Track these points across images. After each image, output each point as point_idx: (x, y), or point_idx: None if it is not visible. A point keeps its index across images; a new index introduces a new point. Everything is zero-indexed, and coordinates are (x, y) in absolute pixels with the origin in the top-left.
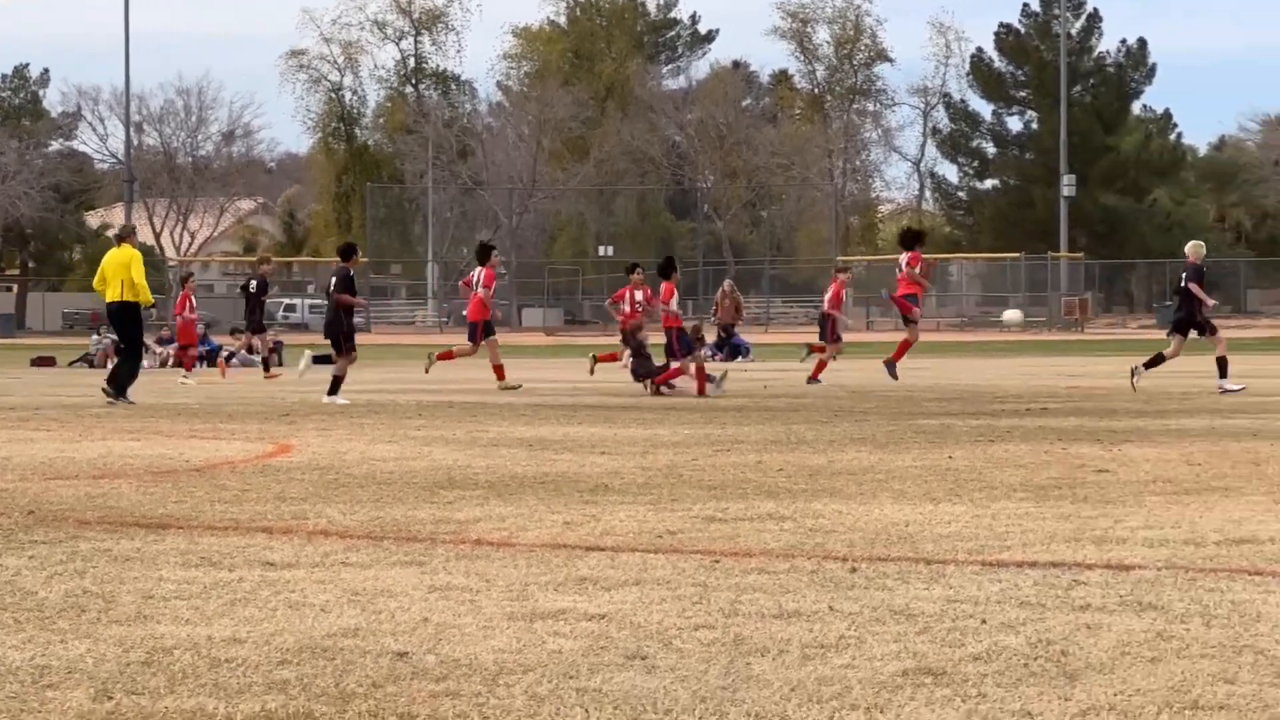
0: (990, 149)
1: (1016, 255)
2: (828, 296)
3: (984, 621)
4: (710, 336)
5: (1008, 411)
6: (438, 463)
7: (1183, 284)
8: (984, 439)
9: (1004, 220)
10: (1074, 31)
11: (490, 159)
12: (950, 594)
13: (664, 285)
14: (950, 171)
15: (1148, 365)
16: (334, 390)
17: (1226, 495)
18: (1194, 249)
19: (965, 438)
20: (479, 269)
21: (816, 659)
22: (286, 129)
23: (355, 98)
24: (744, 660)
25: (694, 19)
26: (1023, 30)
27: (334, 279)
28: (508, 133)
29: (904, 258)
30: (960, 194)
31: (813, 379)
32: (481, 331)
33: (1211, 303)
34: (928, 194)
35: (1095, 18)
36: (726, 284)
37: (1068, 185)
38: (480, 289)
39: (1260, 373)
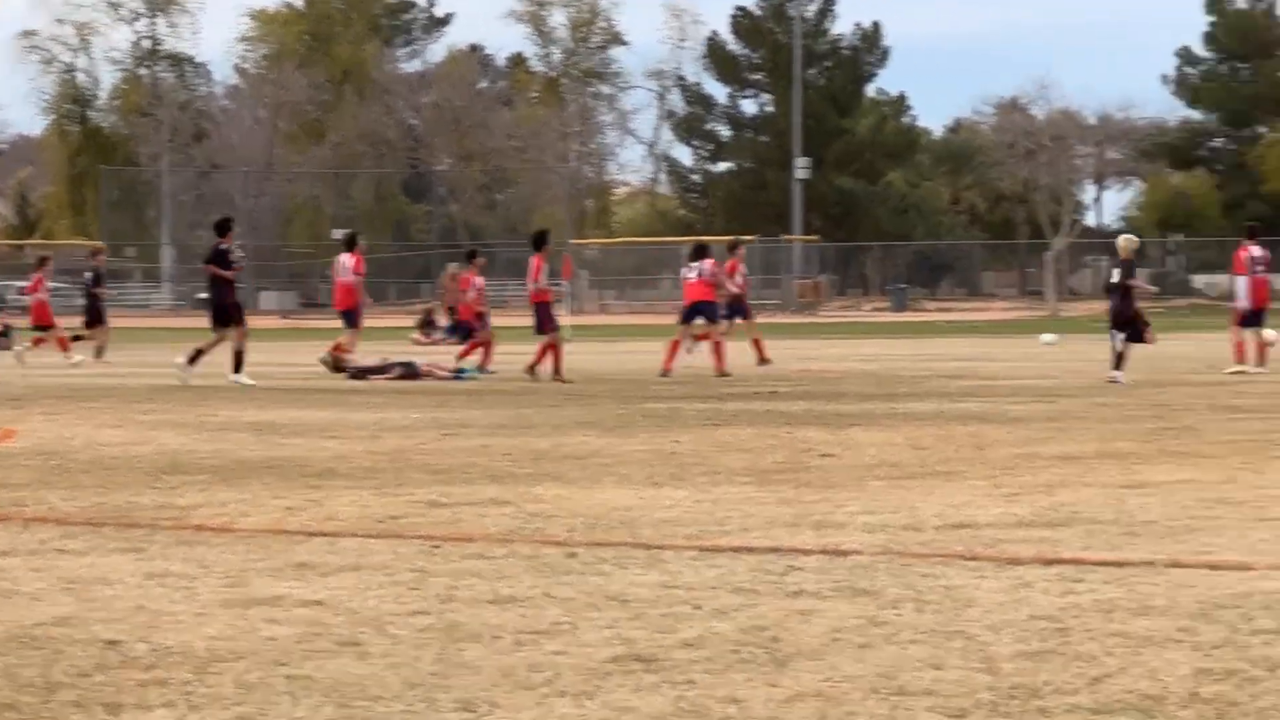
0: (725, 132)
1: (751, 238)
2: (732, 276)
3: (697, 608)
4: (443, 320)
5: (737, 395)
6: (164, 448)
7: (1114, 280)
8: (711, 423)
9: (738, 203)
10: (808, 14)
11: (226, 142)
12: (666, 580)
13: (534, 260)
14: (685, 154)
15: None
16: (238, 368)
17: (948, 479)
18: (1126, 243)
19: (693, 422)
20: (346, 255)
21: (529, 645)
22: (19, 110)
23: (89, 80)
24: (456, 647)
25: (430, 3)
26: (758, 13)
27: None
28: (244, 115)
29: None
30: (695, 177)
31: (720, 372)
32: (359, 317)
33: (1153, 289)
34: (663, 177)
35: (830, 1)
36: (452, 267)
37: (802, 168)
38: (352, 275)
39: (990, 355)
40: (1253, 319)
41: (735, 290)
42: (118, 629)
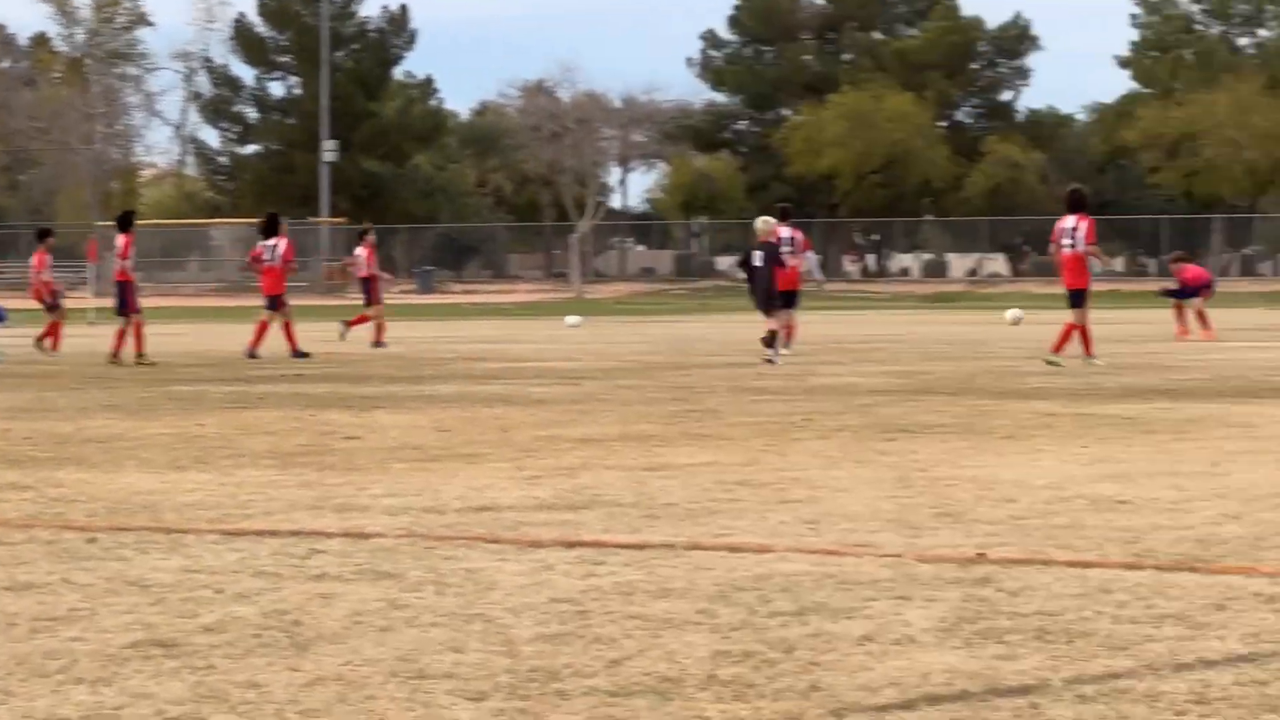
0: (253, 114)
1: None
2: (363, 260)
3: (219, 592)
4: None
5: (263, 378)
6: None
7: (758, 264)
8: (237, 405)
9: (265, 185)
10: None
11: None
12: (188, 564)
13: (121, 239)
14: (212, 136)
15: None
16: None
17: (472, 462)
18: (764, 225)
19: (218, 404)
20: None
21: (45, 632)
22: None
23: None
24: None
25: None
26: None
27: None
28: None
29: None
30: (222, 159)
31: (378, 342)
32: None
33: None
34: (190, 159)
35: None
36: None
37: (329, 150)
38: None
39: (515, 338)
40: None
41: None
42: None
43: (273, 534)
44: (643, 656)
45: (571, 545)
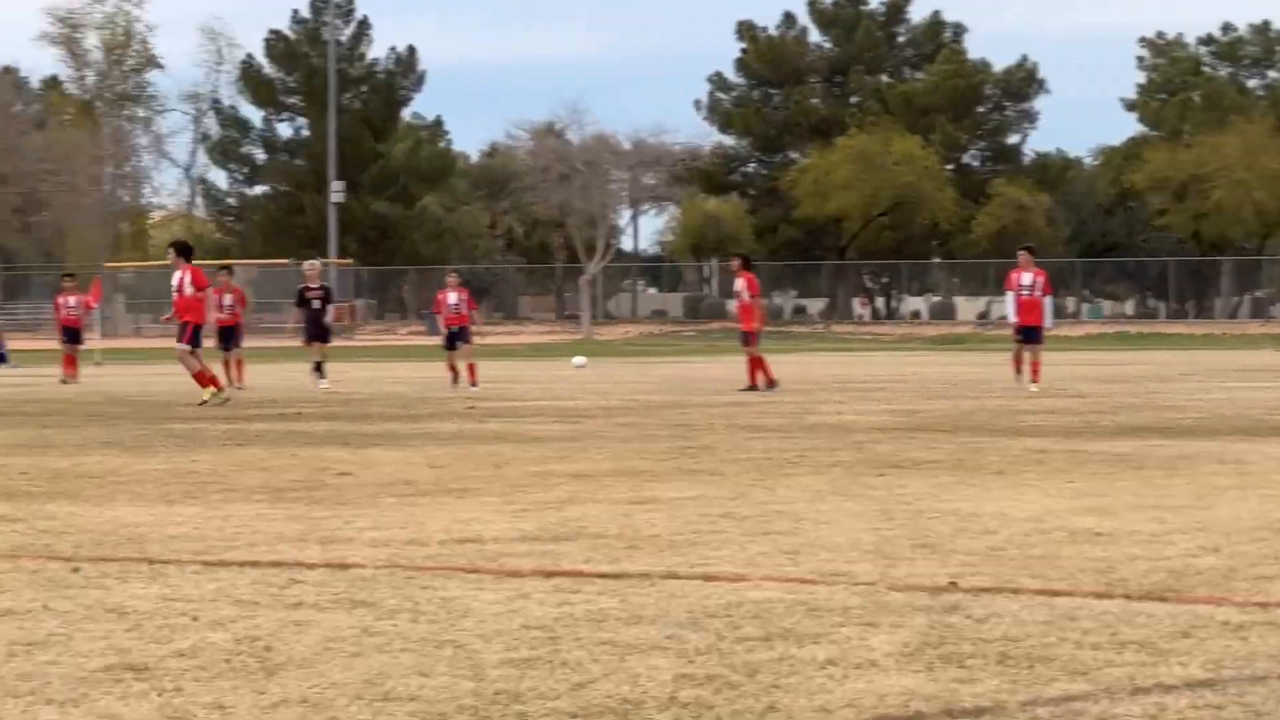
0: (260, 155)
1: (285, 261)
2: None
3: (195, 619)
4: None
5: (263, 416)
6: None
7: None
8: (233, 443)
9: (274, 226)
10: (344, 38)
11: None
12: (168, 593)
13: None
14: (221, 178)
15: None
16: None
17: (461, 496)
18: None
19: (214, 442)
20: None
21: (21, 656)
22: None
23: None
24: None
25: None
26: (293, 36)
27: None
28: None
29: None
30: (230, 200)
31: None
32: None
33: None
34: (199, 200)
35: (365, 25)
36: None
37: (337, 191)
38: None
39: (520, 378)
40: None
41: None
42: None
43: (254, 565)
44: (607, 680)
45: (550, 575)
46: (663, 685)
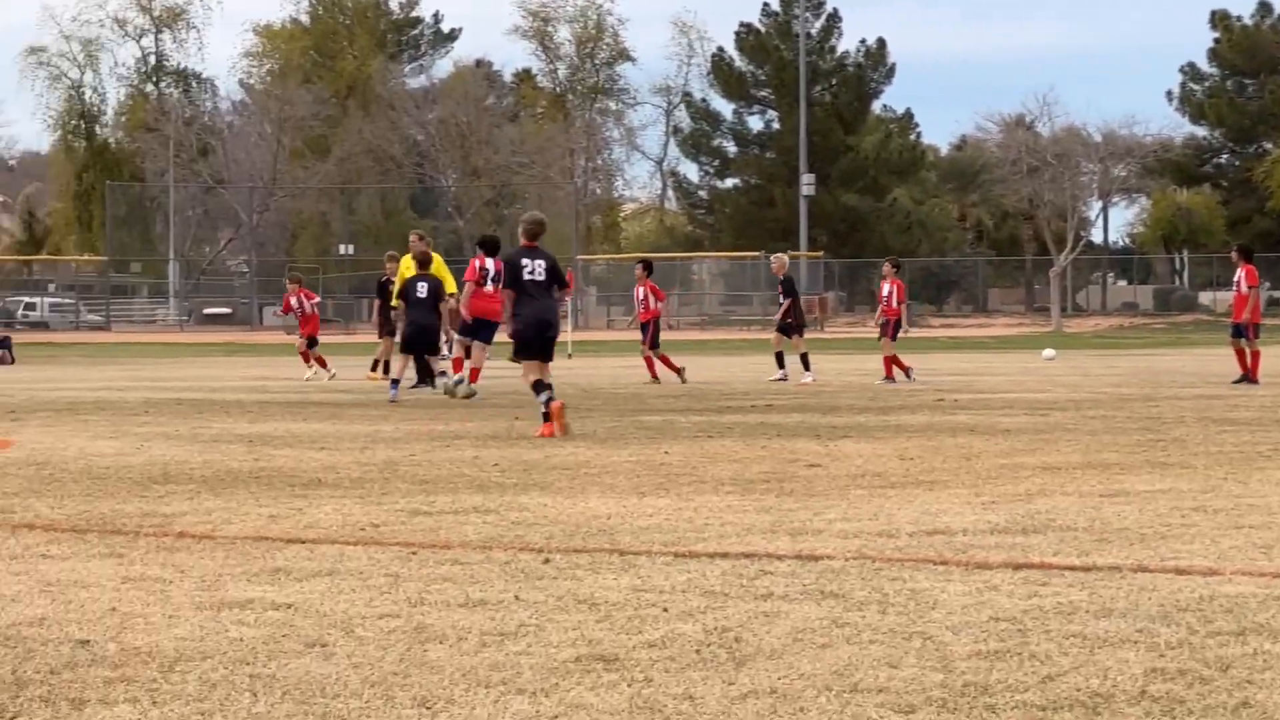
0: (731, 148)
1: (757, 254)
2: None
3: (665, 610)
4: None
5: (733, 408)
6: (155, 458)
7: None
8: (703, 435)
9: (745, 219)
10: (814, 31)
11: (231, 157)
12: (637, 584)
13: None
14: (692, 170)
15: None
16: None
17: (930, 489)
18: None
19: (685, 433)
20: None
21: (493, 646)
22: (26, 126)
23: (96, 95)
24: (421, 647)
25: (437, 18)
26: (763, 30)
27: None
28: (249, 131)
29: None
30: (701, 193)
31: None
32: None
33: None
34: (670, 193)
35: (835, 18)
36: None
37: (807, 184)
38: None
39: (990, 370)
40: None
41: None
42: (90, 629)
43: (724, 556)
44: (1076, 673)
45: (1018, 567)
46: (1133, 679)
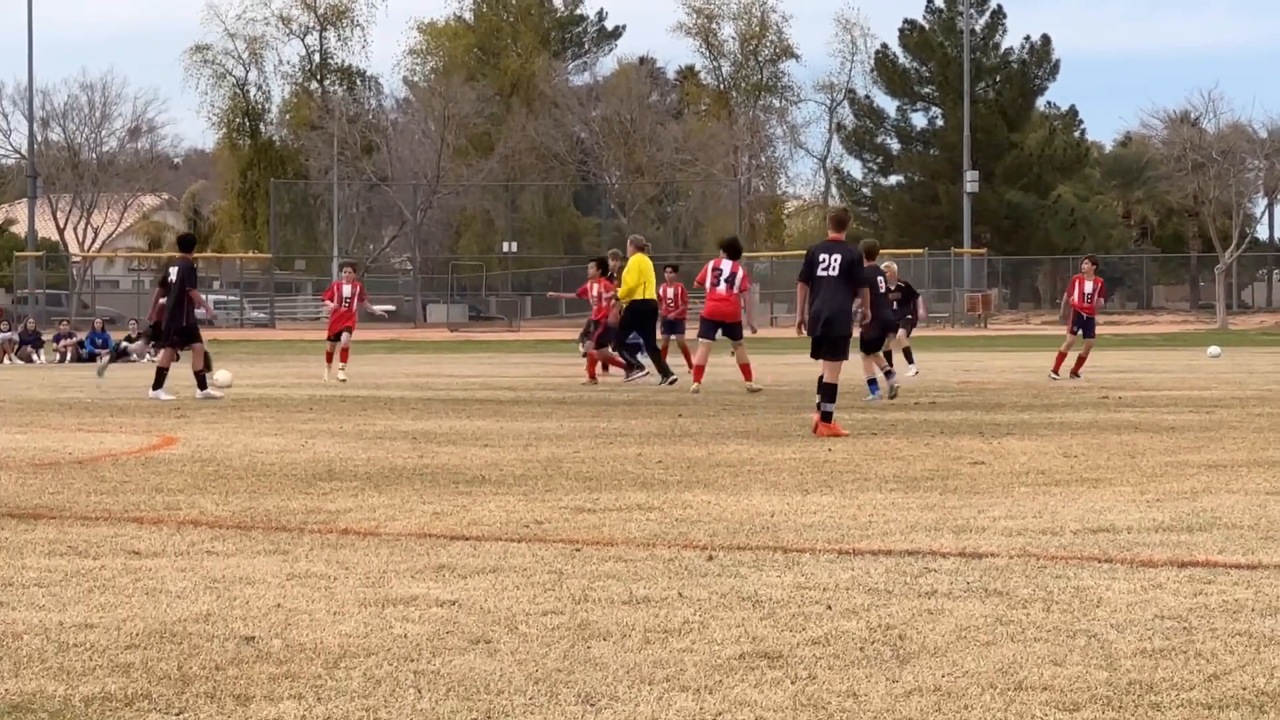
0: (895, 145)
1: (920, 251)
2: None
3: (829, 607)
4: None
5: (895, 405)
6: (319, 455)
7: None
8: (867, 432)
9: (908, 216)
10: (978, 28)
11: (395, 155)
12: (801, 581)
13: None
14: (855, 167)
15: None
16: (159, 384)
17: (1095, 486)
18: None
19: (849, 430)
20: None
21: (657, 643)
22: (191, 124)
23: (260, 93)
24: (585, 644)
25: (600, 15)
26: (927, 26)
27: (176, 270)
28: (413, 129)
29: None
30: (865, 190)
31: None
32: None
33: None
34: (833, 190)
35: (999, 14)
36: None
37: (971, 181)
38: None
39: (1154, 367)
40: None
41: None
42: (255, 625)
43: (888, 553)
44: (1242, 672)
45: (1184, 565)
46: None
